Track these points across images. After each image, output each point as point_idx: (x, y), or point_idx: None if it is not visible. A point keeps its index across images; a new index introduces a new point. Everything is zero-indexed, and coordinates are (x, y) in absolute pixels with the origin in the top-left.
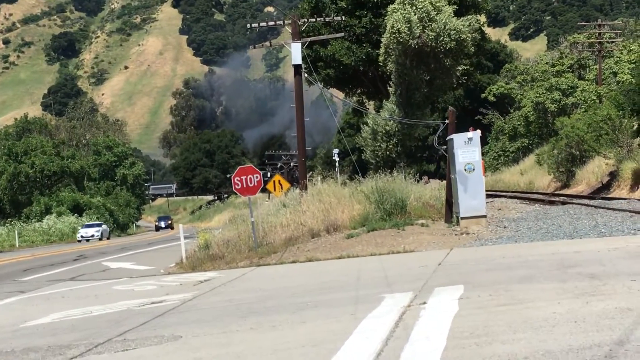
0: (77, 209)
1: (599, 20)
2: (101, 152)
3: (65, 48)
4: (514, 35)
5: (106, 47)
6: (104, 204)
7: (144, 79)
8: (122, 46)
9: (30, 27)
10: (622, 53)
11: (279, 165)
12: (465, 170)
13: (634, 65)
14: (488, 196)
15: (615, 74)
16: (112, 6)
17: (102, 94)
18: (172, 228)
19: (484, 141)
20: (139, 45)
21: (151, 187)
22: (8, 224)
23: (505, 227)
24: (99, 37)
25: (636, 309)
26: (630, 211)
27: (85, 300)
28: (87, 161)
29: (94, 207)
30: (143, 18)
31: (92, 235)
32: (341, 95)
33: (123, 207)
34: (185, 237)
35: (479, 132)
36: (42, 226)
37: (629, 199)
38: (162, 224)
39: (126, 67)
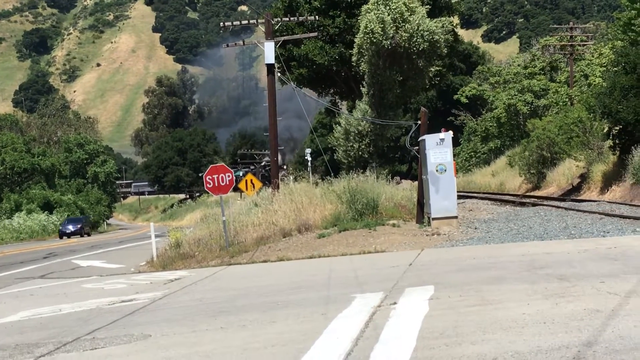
0: (48, 207)
1: (571, 23)
2: (72, 149)
3: (37, 44)
4: (487, 37)
5: (78, 44)
6: (74, 202)
7: (116, 77)
8: (94, 43)
9: (1, 23)
10: (593, 56)
11: (262, 163)
12: (436, 171)
13: (605, 69)
14: (459, 197)
15: (586, 76)
16: (85, 3)
17: (74, 91)
18: (85, 234)
19: (455, 142)
20: (112, 42)
21: (133, 184)
22: None
23: (476, 228)
24: (71, 33)
25: (605, 311)
26: (600, 213)
27: (55, 299)
28: (58, 158)
29: (64, 205)
30: (116, 15)
31: None
32: (314, 94)
33: (94, 205)
34: (156, 236)
35: (451, 133)
36: (12, 223)
37: (599, 201)
38: (70, 229)
39: (98, 65)
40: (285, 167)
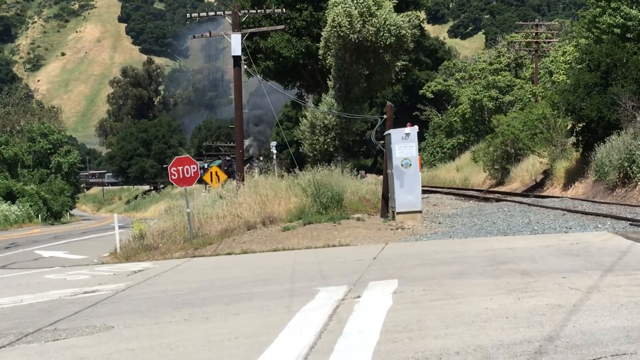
0: (10, 197)
1: (536, 20)
2: (36, 139)
3: (0, 33)
4: (453, 33)
5: (43, 33)
6: (37, 192)
7: (81, 66)
8: (59, 32)
9: None
10: (557, 53)
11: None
12: (402, 165)
13: (569, 66)
14: (424, 192)
15: (551, 73)
16: None
17: (38, 80)
18: None
19: (421, 137)
20: (77, 31)
21: (106, 174)
22: None
23: (440, 223)
24: (35, 22)
25: (566, 306)
26: (562, 209)
27: (16, 289)
28: (21, 148)
29: (27, 195)
30: (81, 4)
31: None
32: (280, 87)
33: (57, 195)
34: (120, 227)
35: (416, 128)
36: None
37: (562, 197)
38: None
39: (63, 54)
40: (260, 157)
